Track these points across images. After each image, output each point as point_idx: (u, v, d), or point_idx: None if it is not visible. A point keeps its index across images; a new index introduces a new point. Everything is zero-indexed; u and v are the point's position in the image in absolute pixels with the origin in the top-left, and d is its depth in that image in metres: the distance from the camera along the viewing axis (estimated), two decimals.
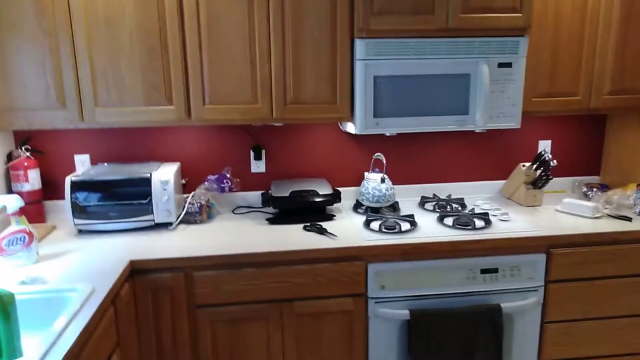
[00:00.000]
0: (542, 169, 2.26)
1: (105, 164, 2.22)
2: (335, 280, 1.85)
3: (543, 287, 2.00)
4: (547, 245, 1.97)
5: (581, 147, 2.58)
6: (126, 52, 1.85)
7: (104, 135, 2.24)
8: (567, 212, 2.21)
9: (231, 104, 1.95)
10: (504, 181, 2.54)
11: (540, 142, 2.53)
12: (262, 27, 1.89)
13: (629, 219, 2.09)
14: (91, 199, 1.94)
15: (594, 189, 2.40)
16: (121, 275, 1.59)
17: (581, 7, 2.06)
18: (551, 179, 2.25)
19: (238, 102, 1.95)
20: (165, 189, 1.97)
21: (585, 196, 2.42)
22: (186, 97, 1.93)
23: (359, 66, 1.93)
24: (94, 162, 2.26)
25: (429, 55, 1.95)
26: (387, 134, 2.12)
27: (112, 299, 1.52)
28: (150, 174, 1.98)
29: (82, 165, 2.24)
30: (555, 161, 2.21)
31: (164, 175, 1.99)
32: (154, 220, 1.99)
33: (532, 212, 2.23)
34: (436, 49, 1.94)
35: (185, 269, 1.76)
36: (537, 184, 2.30)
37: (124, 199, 1.96)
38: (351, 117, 2.04)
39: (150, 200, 1.97)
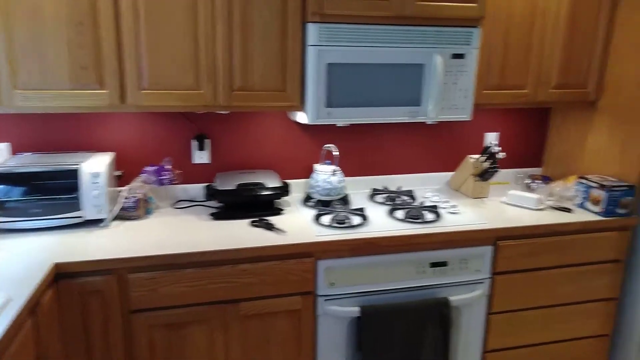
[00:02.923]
0: (489, 161, 2.27)
1: (28, 153, 1.99)
2: (283, 279, 1.76)
3: (489, 279, 2.02)
4: (494, 238, 1.99)
5: (525, 139, 2.63)
6: (49, 25, 1.63)
7: (27, 121, 2.00)
8: (512, 204, 2.24)
9: (171, 89, 1.79)
10: (452, 173, 2.55)
11: (487, 134, 2.55)
12: (207, 3, 1.73)
13: (569, 211, 2.16)
14: (10, 193, 1.72)
15: (537, 181, 2.45)
16: (43, 281, 1.41)
17: (532, 0, 2.06)
18: (498, 171, 2.27)
19: (179, 87, 1.79)
20: (96, 182, 1.79)
21: (528, 188, 2.47)
22: (120, 80, 1.74)
23: (311, 52, 1.82)
24: (14, 151, 2.02)
25: (384, 43, 1.87)
26: (339, 125, 2.04)
27: (32, 308, 1.34)
28: (79, 166, 1.79)
29: (1, 155, 1.99)
30: (503, 153, 2.23)
31: (94, 167, 1.80)
32: (83, 216, 1.81)
33: (479, 204, 2.25)
34: (391, 37, 1.87)
35: (118, 271, 1.61)
36: (484, 176, 2.31)
37: (49, 194, 1.76)
38: (302, 106, 1.94)
39: (79, 194, 1.78)
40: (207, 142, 2.19)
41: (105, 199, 1.81)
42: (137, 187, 1.97)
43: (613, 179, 2.16)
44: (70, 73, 1.69)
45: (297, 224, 1.93)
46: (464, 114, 2.05)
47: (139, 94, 1.76)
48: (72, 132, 2.05)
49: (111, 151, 2.10)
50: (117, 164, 2.12)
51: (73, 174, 1.77)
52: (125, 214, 1.92)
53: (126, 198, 1.92)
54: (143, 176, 2.01)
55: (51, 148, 2.05)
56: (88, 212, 1.81)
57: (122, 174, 2.11)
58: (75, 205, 1.79)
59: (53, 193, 1.77)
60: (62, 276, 1.56)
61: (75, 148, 2.07)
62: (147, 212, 2.01)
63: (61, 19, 1.64)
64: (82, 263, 1.56)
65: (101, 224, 1.86)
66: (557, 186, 2.27)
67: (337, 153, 2.32)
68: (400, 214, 2.06)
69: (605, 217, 2.09)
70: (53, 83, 1.69)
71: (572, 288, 2.14)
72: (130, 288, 1.63)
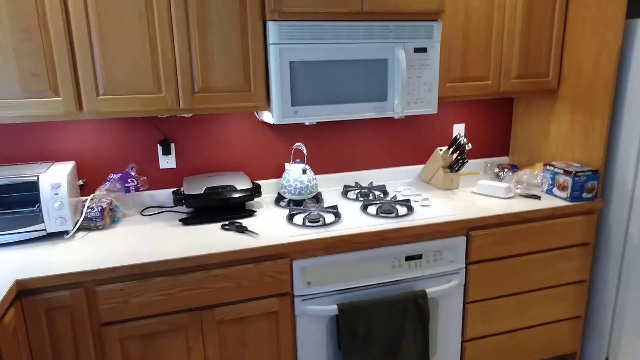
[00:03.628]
0: (457, 152, 2.30)
1: None
2: (258, 282, 1.73)
3: (464, 269, 2.04)
4: (467, 228, 2.00)
5: (491, 129, 2.67)
6: None
7: None
8: (482, 193, 2.27)
9: (130, 93, 1.73)
10: (422, 166, 2.56)
11: (454, 126, 2.58)
12: (161, 4, 1.69)
13: (538, 198, 2.20)
14: None
15: (505, 170, 2.49)
16: (4, 300, 1.34)
17: None
18: (467, 162, 2.30)
19: (138, 92, 1.74)
20: (57, 193, 1.72)
21: (497, 177, 2.51)
22: (75, 86, 1.68)
23: (272, 51, 1.80)
24: None
25: (345, 39, 1.87)
26: (307, 123, 2.02)
27: None
28: (38, 177, 1.71)
29: None
30: (470, 144, 2.25)
31: (54, 178, 1.73)
32: (45, 229, 1.74)
33: (451, 195, 2.27)
34: (353, 33, 1.87)
35: (85, 283, 1.55)
36: (453, 167, 2.33)
37: (8, 207, 1.69)
38: (268, 106, 1.91)
39: (40, 207, 1.71)
40: (173, 146, 2.14)
41: (68, 210, 1.74)
42: (102, 195, 1.91)
43: (577, 165, 2.21)
44: (20, 81, 1.62)
45: (269, 225, 1.90)
46: (430, 108, 2.07)
47: (96, 101, 1.70)
48: (29, 142, 1.97)
49: (72, 160, 2.02)
50: (79, 172, 2.05)
51: (32, 186, 1.70)
52: (90, 224, 1.86)
53: (90, 208, 1.85)
54: (107, 184, 1.95)
55: (7, 160, 1.96)
56: (50, 224, 1.74)
57: (85, 183, 2.04)
58: (36, 218, 1.72)
59: (12, 207, 1.69)
60: (25, 293, 1.49)
61: (33, 159, 1.99)
62: (114, 221, 1.95)
63: (6, 24, 1.56)
64: (46, 278, 1.49)
65: (65, 236, 1.79)
66: (524, 174, 2.31)
67: (306, 151, 2.31)
68: (373, 209, 2.06)
69: (572, 202, 2.14)
70: (4, 92, 1.61)
71: (545, 273, 2.18)
72: (99, 301, 1.57)
